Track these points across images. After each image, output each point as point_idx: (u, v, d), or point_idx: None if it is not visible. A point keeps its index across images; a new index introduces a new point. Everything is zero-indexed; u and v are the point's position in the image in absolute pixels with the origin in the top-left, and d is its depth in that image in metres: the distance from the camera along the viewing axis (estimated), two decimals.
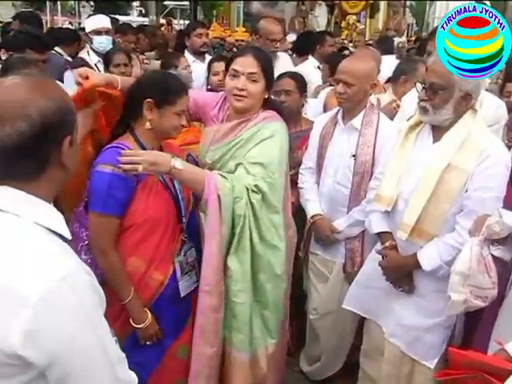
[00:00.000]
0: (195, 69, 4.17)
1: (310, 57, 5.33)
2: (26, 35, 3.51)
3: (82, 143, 2.13)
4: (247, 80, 2.36)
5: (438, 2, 17.85)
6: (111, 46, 4.54)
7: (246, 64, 2.37)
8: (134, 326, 2.21)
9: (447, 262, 2.25)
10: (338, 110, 3.04)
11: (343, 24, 9.84)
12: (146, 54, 6.05)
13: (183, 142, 2.71)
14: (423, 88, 2.32)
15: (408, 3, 12.31)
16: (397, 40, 8.54)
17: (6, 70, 2.39)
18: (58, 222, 1.19)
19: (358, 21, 10.02)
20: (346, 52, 6.17)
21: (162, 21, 13.47)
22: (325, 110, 3.83)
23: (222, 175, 2.26)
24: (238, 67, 2.38)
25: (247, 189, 2.24)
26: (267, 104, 2.48)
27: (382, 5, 10.64)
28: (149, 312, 2.23)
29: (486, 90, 2.52)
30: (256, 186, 2.25)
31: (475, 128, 2.29)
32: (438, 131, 2.37)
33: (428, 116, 2.33)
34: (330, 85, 4.53)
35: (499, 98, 3.26)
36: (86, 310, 1.12)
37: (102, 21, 4.60)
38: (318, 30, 9.65)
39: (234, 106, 2.42)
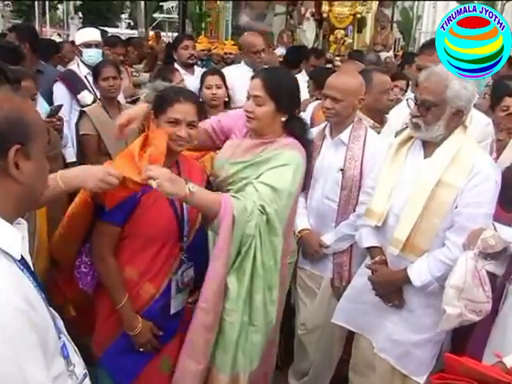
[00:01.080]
0: (186, 82, 4.18)
1: (303, 70, 5.37)
2: (1, 48, 3.48)
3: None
4: (254, 102, 2.37)
5: (424, 17, 18.10)
6: (101, 59, 4.53)
7: (254, 87, 2.38)
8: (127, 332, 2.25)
9: (437, 278, 2.26)
10: (326, 125, 3.05)
11: (331, 38, 9.90)
12: (134, 66, 6.06)
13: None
14: (415, 104, 2.33)
15: (395, 18, 12.42)
16: (384, 54, 8.63)
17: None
18: (5, 238, 1.15)
19: (346, 35, 10.09)
20: (330, 65, 6.22)
21: (151, 33, 13.51)
22: (312, 123, 3.84)
23: (234, 196, 2.24)
24: (249, 89, 2.41)
25: (257, 209, 2.21)
26: (289, 128, 2.44)
27: (370, 20, 10.74)
28: (141, 320, 2.25)
29: (474, 105, 2.53)
30: (262, 206, 2.22)
31: (466, 144, 2.31)
32: (429, 147, 2.38)
33: (420, 132, 2.34)
34: (317, 99, 4.57)
35: (486, 114, 3.29)
36: (6, 334, 1.05)
37: (92, 33, 4.61)
38: (306, 43, 9.74)
39: (246, 126, 2.46)
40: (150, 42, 9.99)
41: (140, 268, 2.25)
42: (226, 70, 5.00)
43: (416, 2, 13.11)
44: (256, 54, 4.53)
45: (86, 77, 4.35)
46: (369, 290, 2.51)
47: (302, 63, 5.56)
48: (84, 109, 3.77)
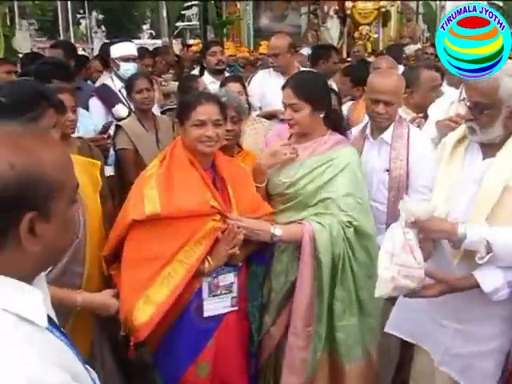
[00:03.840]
0: (214, 89, 4.14)
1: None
2: (53, 65, 3.51)
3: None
4: (291, 110, 2.49)
5: (447, 7, 17.78)
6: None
7: (287, 96, 2.51)
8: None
9: (510, 283, 2.09)
10: (366, 124, 2.98)
11: (356, 34, 9.80)
12: (162, 76, 6.06)
13: None
14: (468, 107, 2.19)
15: (421, 10, 12.22)
16: (413, 47, 8.48)
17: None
18: (29, 305, 0.99)
19: (371, 30, 9.97)
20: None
21: (175, 42, 13.59)
22: (348, 125, 3.76)
23: (319, 222, 2.39)
24: (283, 100, 2.55)
25: (342, 227, 2.40)
26: (329, 122, 2.60)
27: (393, 13, 10.60)
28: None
29: None
30: (349, 221, 2.40)
31: None
32: (487, 147, 2.22)
33: (476, 136, 2.19)
34: (352, 98, 4.47)
35: None
36: None
37: (130, 48, 4.63)
38: (331, 42, 9.64)
39: (290, 132, 2.60)
40: (177, 51, 10.01)
41: None
42: (258, 74, 4.97)
43: None
44: (271, 57, 4.48)
45: (120, 90, 4.37)
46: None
47: (321, 62, 5.38)
48: (119, 123, 3.77)
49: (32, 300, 1.00)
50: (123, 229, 2.25)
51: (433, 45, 9.11)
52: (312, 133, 2.56)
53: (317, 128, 2.56)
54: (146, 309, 2.16)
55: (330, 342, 2.54)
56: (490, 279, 2.11)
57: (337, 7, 10.16)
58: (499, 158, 2.16)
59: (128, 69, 4.41)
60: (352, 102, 4.29)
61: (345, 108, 4.08)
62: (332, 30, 10.31)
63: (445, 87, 3.81)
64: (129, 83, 3.78)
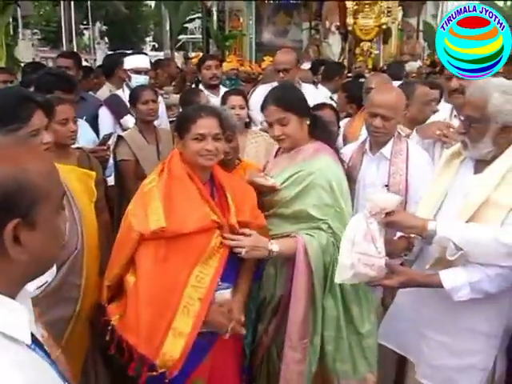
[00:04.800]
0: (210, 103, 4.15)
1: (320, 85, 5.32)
2: (55, 76, 3.52)
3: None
4: (279, 125, 2.47)
5: None
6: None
7: (272, 113, 2.49)
8: None
9: (472, 284, 2.08)
10: (365, 140, 2.99)
11: (357, 50, 9.87)
12: (164, 88, 6.08)
13: None
14: (460, 120, 2.24)
15: (421, 27, 12.33)
16: (413, 64, 8.53)
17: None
18: (13, 322, 0.98)
19: (372, 47, 10.04)
20: (362, 80, 6.14)
21: (177, 54, 13.67)
22: (344, 141, 3.77)
23: (308, 234, 2.40)
24: (267, 119, 2.54)
25: (328, 235, 2.41)
26: (314, 129, 2.57)
27: (394, 30, 10.69)
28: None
29: None
30: (329, 228, 2.41)
31: None
32: (480, 163, 2.25)
33: (468, 150, 2.22)
34: (347, 115, 4.48)
35: None
36: None
37: (143, 61, 4.69)
38: (332, 57, 9.71)
39: (282, 147, 2.61)
40: (179, 64, 10.05)
41: None
42: (260, 88, 4.97)
43: (439, 11, 13.00)
44: (278, 73, 4.47)
45: None
46: (411, 307, 2.40)
47: (336, 78, 5.45)
48: (121, 134, 3.78)
49: (17, 317, 0.99)
50: (129, 248, 2.21)
51: (432, 62, 9.19)
52: (299, 142, 2.54)
53: (303, 136, 2.54)
54: (176, 343, 2.16)
55: (320, 355, 2.52)
56: (451, 277, 2.12)
57: (338, 23, 10.24)
58: (485, 174, 2.19)
59: (139, 81, 4.42)
60: (348, 118, 4.30)
61: (341, 124, 4.08)
62: (333, 46, 10.39)
63: (442, 104, 3.83)
64: (134, 94, 3.78)
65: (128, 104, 3.96)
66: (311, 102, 3.10)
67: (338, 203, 2.43)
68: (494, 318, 2.24)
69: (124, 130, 4.06)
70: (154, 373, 2.15)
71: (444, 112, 3.40)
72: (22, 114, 2.04)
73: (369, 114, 2.86)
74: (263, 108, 2.54)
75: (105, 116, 4.25)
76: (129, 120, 4.19)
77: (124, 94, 4.43)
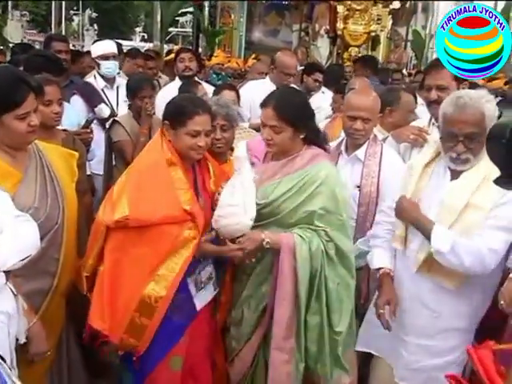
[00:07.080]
0: None
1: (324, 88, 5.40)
2: (45, 58, 3.55)
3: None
4: (271, 131, 2.42)
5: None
6: (118, 71, 4.60)
7: (268, 117, 2.42)
8: None
9: (455, 253, 2.18)
10: (342, 141, 3.06)
11: (345, 55, 9.96)
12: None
13: None
14: (457, 141, 2.22)
15: (410, 37, 12.47)
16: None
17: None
18: None
19: (359, 53, 10.14)
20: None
21: (166, 46, 13.62)
22: None
23: (300, 235, 2.38)
24: (262, 119, 2.46)
25: (322, 242, 2.39)
26: (309, 140, 2.51)
27: (383, 38, 10.80)
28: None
29: None
30: (327, 237, 2.39)
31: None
32: (454, 170, 2.32)
33: (470, 164, 2.27)
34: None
35: None
36: None
37: (109, 46, 4.62)
38: (320, 60, 9.80)
39: (268, 151, 2.56)
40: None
41: None
42: (249, 85, 5.01)
43: (428, 22, 13.15)
44: (286, 76, 4.54)
45: (102, 90, 4.40)
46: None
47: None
48: (116, 118, 3.83)
49: None
50: (100, 239, 2.29)
51: (418, 72, 9.32)
52: (289, 153, 2.49)
53: (295, 146, 2.48)
54: (139, 329, 2.27)
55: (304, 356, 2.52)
56: (443, 229, 2.24)
57: (328, 27, 10.32)
58: (462, 179, 2.28)
59: (108, 67, 4.42)
60: (327, 120, 4.39)
61: (321, 126, 4.15)
62: (322, 49, 10.46)
63: (419, 108, 3.94)
64: (133, 87, 3.79)
65: (101, 92, 3.98)
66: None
67: (339, 211, 2.41)
68: (468, 315, 2.36)
69: (98, 118, 4.07)
70: (120, 352, 2.29)
71: (423, 120, 3.51)
72: (16, 96, 2.08)
73: (348, 118, 2.89)
74: (262, 106, 2.48)
75: (77, 104, 4.20)
76: (103, 108, 4.20)
77: (96, 82, 4.43)
